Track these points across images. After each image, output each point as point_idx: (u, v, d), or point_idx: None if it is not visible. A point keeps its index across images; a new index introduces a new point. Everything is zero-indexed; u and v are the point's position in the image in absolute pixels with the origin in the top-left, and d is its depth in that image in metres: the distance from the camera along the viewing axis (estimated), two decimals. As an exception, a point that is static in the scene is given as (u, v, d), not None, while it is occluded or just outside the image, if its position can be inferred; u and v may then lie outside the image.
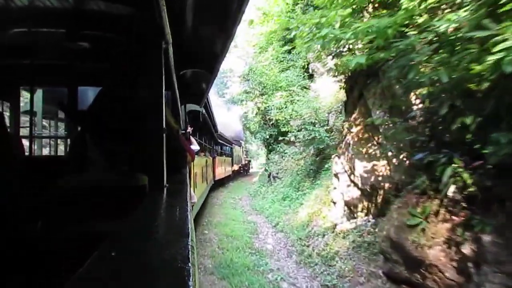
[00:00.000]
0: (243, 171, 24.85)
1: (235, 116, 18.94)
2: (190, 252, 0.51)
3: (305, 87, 9.84)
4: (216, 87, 21.57)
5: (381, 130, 4.24)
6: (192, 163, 3.49)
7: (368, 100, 4.60)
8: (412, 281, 2.99)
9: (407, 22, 2.91)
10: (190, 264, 0.45)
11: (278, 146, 11.45)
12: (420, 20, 2.88)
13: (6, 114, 3.06)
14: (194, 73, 2.60)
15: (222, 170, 13.58)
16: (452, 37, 2.47)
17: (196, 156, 4.13)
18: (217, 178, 11.43)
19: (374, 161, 4.35)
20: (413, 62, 2.72)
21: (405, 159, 3.77)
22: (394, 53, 2.98)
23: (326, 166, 7.52)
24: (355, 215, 4.79)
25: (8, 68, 2.14)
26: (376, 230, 4.06)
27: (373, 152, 4.41)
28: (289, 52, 11.36)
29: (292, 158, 10.23)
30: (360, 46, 4.03)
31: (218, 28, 1.80)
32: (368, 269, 3.72)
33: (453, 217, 2.73)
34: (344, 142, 5.23)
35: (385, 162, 4.19)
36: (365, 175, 4.46)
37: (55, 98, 3.95)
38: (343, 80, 5.93)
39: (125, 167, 1.37)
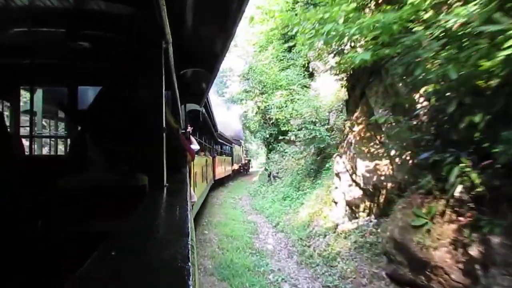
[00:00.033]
0: (243, 170, 24.86)
1: (235, 116, 18.95)
2: (190, 252, 0.51)
3: (305, 86, 9.82)
4: (215, 86, 21.58)
5: (383, 129, 4.19)
6: (192, 162, 3.49)
7: (370, 98, 4.56)
8: (417, 283, 2.94)
9: (413, 17, 2.85)
10: (190, 264, 0.45)
11: (278, 146, 11.44)
12: (426, 15, 2.82)
13: (6, 114, 3.07)
14: (194, 72, 2.60)
15: (222, 169, 13.58)
16: (460, 32, 2.40)
17: (196, 155, 4.13)
18: (217, 177, 11.43)
19: (376, 160, 4.31)
20: (419, 59, 2.65)
21: (408, 158, 3.72)
22: (400, 49, 2.90)
23: (327, 165, 7.51)
24: (357, 215, 4.76)
25: (8, 68, 2.14)
26: (379, 230, 4.03)
27: (376, 151, 4.37)
28: (289, 50, 11.35)
29: (292, 157, 10.22)
30: (362, 43, 3.98)
31: (218, 27, 1.81)
32: (371, 270, 3.69)
33: (460, 218, 2.67)
34: (345, 141, 5.20)
35: (387, 161, 4.15)
36: (367, 174, 4.42)
37: (55, 98, 3.95)
38: (345, 79, 5.88)
39: (125, 167, 1.37)
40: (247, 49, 13.85)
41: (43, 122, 5.79)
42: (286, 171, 10.28)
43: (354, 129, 4.90)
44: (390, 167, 4.09)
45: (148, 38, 1.32)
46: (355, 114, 4.98)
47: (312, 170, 8.25)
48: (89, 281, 0.44)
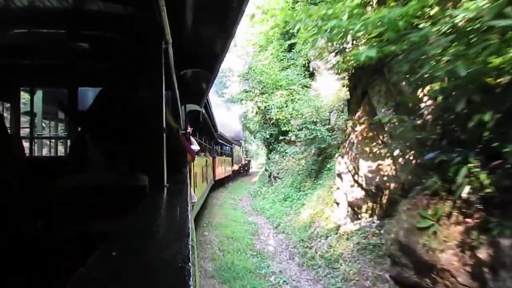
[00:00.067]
0: (243, 171, 24.88)
1: (235, 116, 18.98)
2: (190, 252, 0.51)
3: (306, 86, 9.81)
4: (215, 87, 21.60)
5: (386, 129, 4.14)
6: (192, 163, 3.49)
7: (372, 98, 4.51)
8: (422, 286, 2.88)
9: (419, 13, 2.77)
10: (190, 264, 0.45)
11: (278, 146, 11.42)
12: (432, 11, 2.77)
13: (6, 115, 3.07)
14: (194, 73, 2.60)
15: (222, 170, 13.59)
16: (468, 28, 2.33)
17: (196, 156, 4.13)
18: (217, 178, 11.44)
19: (379, 161, 4.25)
20: (425, 56, 2.58)
21: (412, 158, 3.66)
22: (406, 45, 2.81)
23: (328, 166, 7.49)
24: (359, 216, 4.71)
25: (8, 69, 2.14)
26: (382, 231, 3.98)
27: (378, 151, 4.31)
28: (289, 50, 11.35)
29: (293, 157, 10.20)
30: (365, 41, 3.94)
31: (218, 28, 1.81)
32: (374, 272, 3.64)
33: (467, 220, 2.61)
34: (347, 141, 5.16)
35: (390, 161, 4.08)
36: (370, 175, 4.37)
37: (55, 99, 3.95)
38: (346, 78, 5.83)
39: (125, 167, 1.37)
40: (246, 49, 13.85)
41: (43, 124, 5.80)
42: (287, 171, 10.27)
43: (356, 129, 4.86)
44: (393, 167, 4.04)
45: (148, 38, 1.32)
46: (357, 114, 4.94)
47: (313, 171, 8.23)
48: (89, 281, 0.44)
